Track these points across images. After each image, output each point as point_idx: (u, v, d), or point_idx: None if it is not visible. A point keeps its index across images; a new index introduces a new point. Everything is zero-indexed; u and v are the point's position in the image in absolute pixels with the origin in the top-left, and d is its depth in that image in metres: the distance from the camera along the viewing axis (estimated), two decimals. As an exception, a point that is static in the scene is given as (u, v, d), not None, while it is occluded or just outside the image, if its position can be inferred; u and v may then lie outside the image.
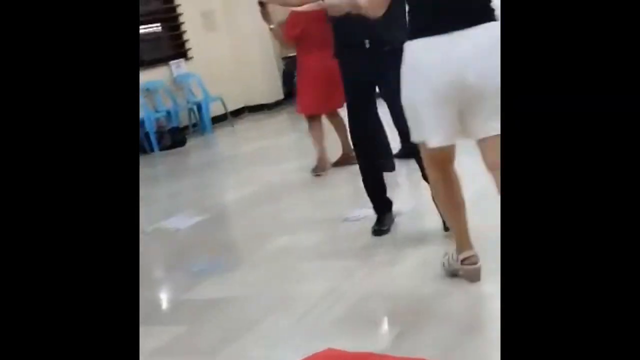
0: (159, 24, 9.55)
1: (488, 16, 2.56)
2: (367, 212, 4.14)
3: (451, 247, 3.02)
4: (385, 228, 3.82)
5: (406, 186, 4.90)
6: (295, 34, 5.42)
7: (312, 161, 5.73)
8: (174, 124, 8.87)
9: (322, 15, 4.95)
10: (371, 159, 3.88)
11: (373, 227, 3.83)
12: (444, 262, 3.06)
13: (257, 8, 5.39)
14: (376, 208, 3.89)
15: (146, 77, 8.85)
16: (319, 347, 2.54)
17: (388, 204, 3.91)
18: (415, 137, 2.80)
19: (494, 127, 2.40)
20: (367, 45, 3.56)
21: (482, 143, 2.63)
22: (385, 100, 3.65)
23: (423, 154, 2.89)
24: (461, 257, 2.94)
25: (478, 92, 2.50)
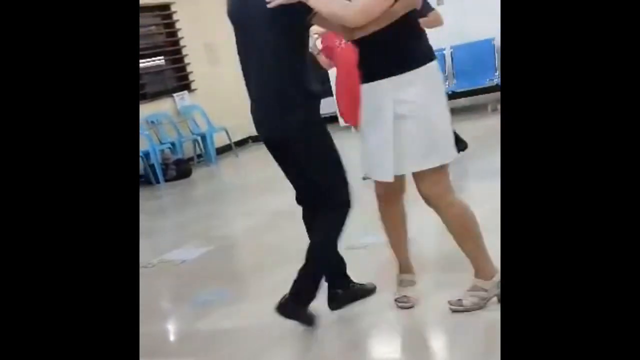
0: (162, 57, 9.64)
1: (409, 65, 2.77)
2: (373, 240, 4.13)
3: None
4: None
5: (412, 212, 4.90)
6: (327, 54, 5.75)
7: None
8: (179, 156, 8.90)
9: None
10: None
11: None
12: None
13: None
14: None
15: (150, 109, 8.91)
16: (327, 377, 2.53)
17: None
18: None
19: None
20: None
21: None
22: None
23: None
24: None
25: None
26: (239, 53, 3.00)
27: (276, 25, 2.78)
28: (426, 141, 2.75)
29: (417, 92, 2.73)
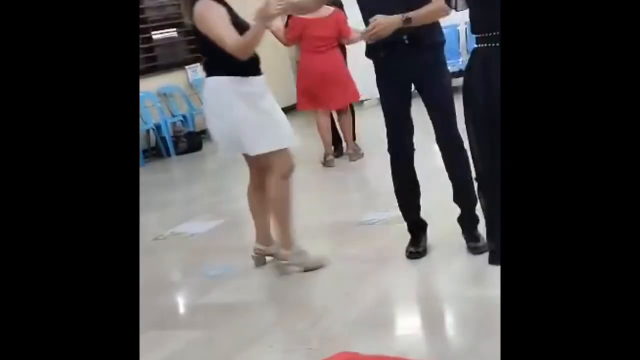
0: (174, 29, 9.60)
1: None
2: (382, 216, 4.15)
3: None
4: (421, 249, 3.50)
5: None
6: (294, 36, 5.98)
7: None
8: (190, 129, 8.89)
9: (319, 20, 5.43)
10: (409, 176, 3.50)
11: (408, 249, 3.50)
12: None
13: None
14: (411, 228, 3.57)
15: (162, 81, 8.90)
16: (334, 350, 2.55)
17: (422, 224, 3.58)
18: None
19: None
20: (407, 42, 3.30)
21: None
22: (427, 100, 3.45)
23: None
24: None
25: None
26: None
27: None
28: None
29: None
